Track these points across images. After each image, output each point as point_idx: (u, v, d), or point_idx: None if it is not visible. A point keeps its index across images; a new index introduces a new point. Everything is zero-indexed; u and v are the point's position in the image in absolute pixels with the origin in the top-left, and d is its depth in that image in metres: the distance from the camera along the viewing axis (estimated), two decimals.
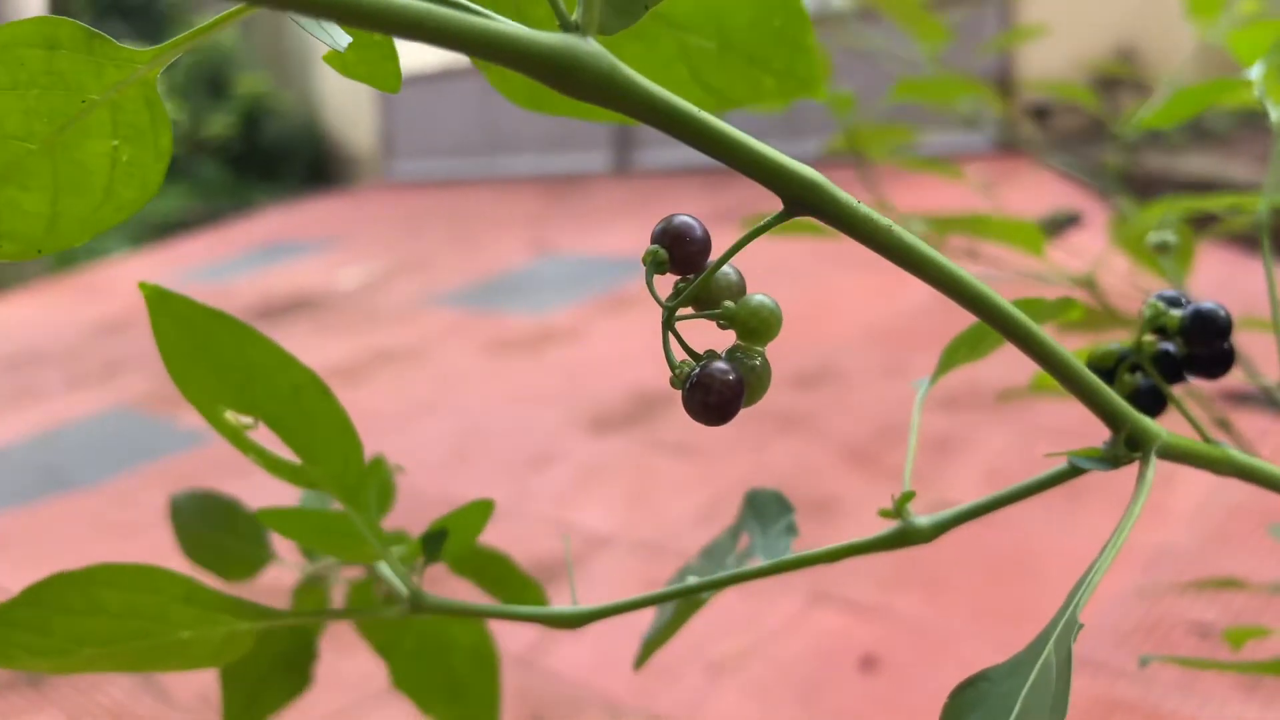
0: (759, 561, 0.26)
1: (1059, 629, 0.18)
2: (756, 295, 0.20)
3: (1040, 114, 3.82)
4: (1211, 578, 0.51)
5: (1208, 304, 0.22)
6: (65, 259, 4.90)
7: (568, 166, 5.68)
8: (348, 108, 6.84)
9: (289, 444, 0.25)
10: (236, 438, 0.25)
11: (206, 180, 6.33)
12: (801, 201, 0.17)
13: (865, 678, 1.12)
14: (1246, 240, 2.37)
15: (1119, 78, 3.20)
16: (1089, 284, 0.61)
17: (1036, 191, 2.85)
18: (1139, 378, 0.22)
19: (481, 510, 0.27)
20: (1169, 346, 0.22)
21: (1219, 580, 0.47)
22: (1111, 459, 0.21)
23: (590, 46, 0.16)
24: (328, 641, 1.28)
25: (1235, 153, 2.92)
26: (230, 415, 0.24)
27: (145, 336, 2.84)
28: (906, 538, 0.22)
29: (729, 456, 1.73)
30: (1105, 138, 3.46)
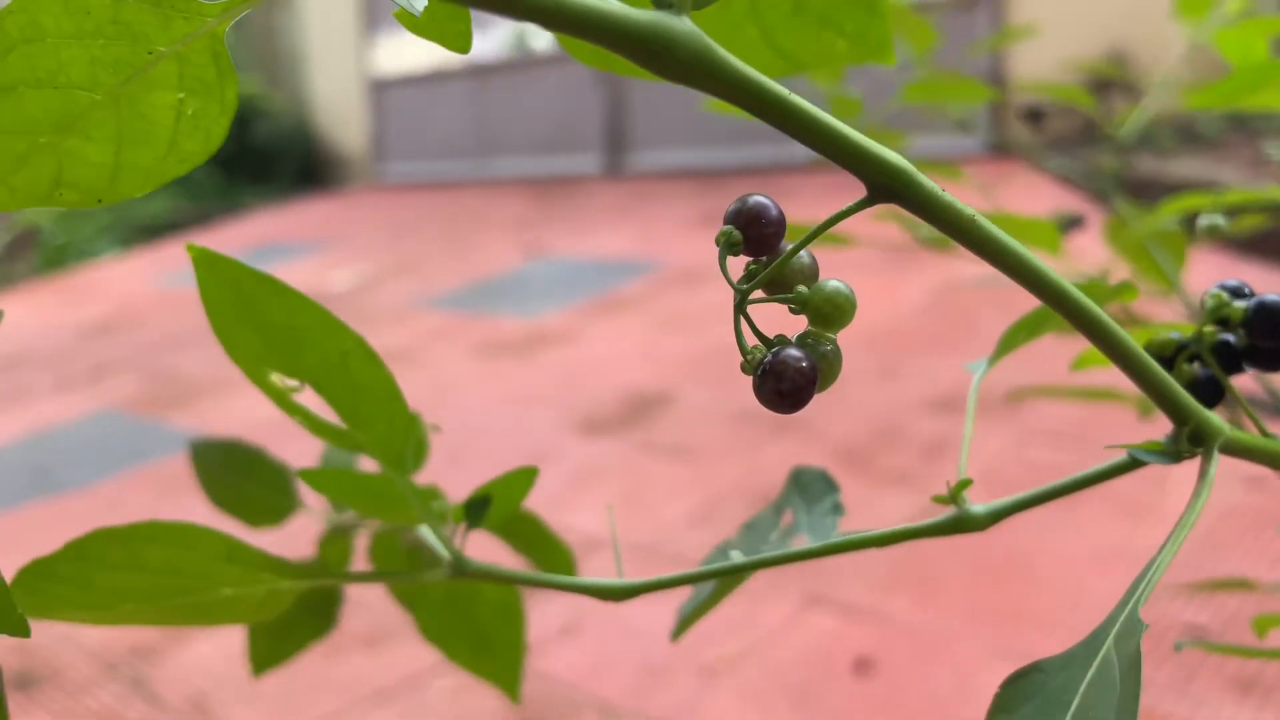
0: (805, 540, 0.26)
1: (1119, 625, 0.18)
2: (831, 281, 0.19)
3: (1034, 116, 3.84)
4: (1213, 579, 0.51)
5: (1272, 296, 0.21)
6: (53, 260, 4.88)
7: (559, 169, 5.68)
8: (339, 109, 6.83)
9: (335, 408, 0.25)
10: (282, 400, 0.25)
11: (196, 181, 6.31)
12: (887, 189, 0.17)
13: (859, 680, 1.11)
14: (1238, 243, 2.38)
15: (1111, 80, 3.20)
16: (1103, 277, 0.61)
17: (1032, 194, 2.85)
18: (1197, 368, 0.22)
19: (525, 477, 0.27)
20: (1229, 337, 0.22)
21: (1223, 581, 0.47)
22: (1174, 453, 0.20)
23: (684, 25, 0.16)
24: (321, 646, 1.27)
25: (1225, 156, 2.93)
26: (276, 378, 0.24)
27: (134, 338, 2.84)
28: (962, 525, 0.22)
29: (723, 459, 1.73)
30: (1098, 140, 3.47)
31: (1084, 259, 0.63)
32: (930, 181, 0.17)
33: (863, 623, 1.21)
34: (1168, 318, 0.61)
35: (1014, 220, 0.60)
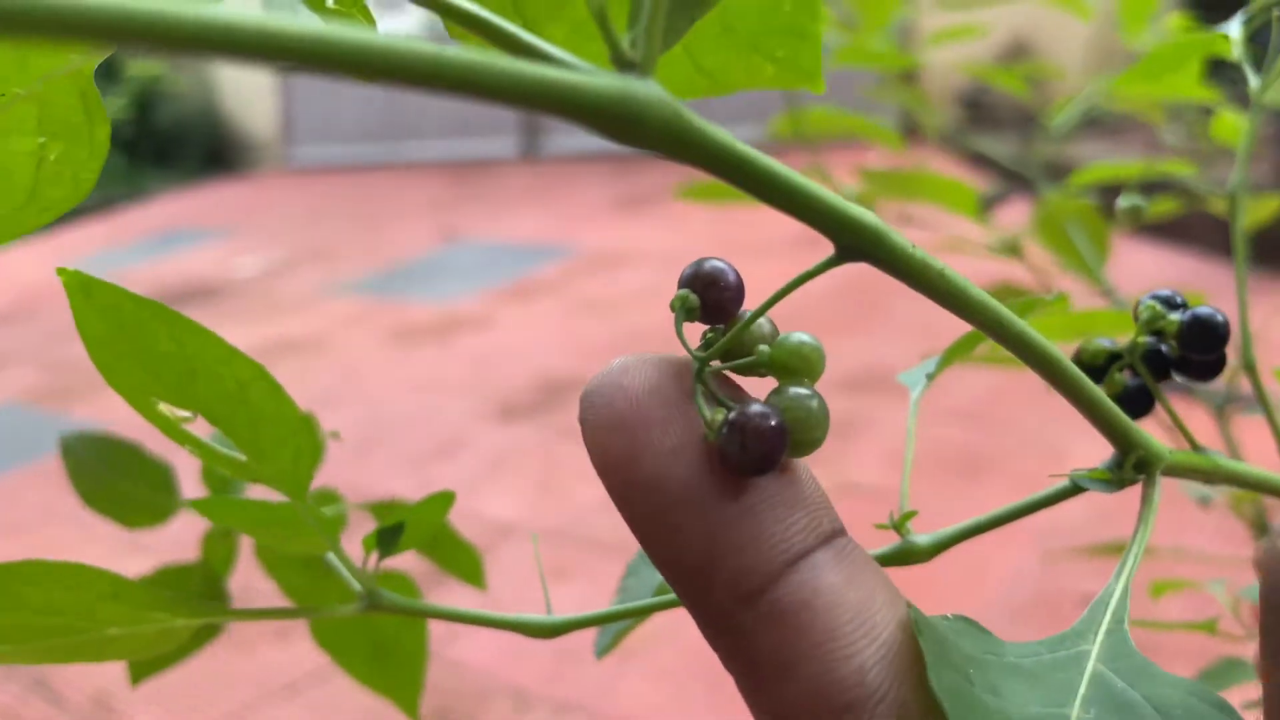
0: None
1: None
2: (795, 334, 0.18)
3: (974, 105, 3.91)
4: (1102, 543, 0.53)
5: (1205, 310, 0.21)
6: None
7: (474, 152, 5.63)
8: (246, 92, 6.67)
9: (234, 441, 0.23)
10: (172, 431, 0.23)
11: None
12: (856, 247, 0.17)
13: None
14: (1151, 228, 2.46)
15: (1018, 71, 3.27)
16: (1015, 249, 0.62)
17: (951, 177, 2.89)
18: (1127, 376, 0.22)
19: (442, 503, 0.26)
20: (1162, 346, 0.22)
21: (1114, 545, 0.48)
22: (1118, 480, 0.21)
23: (652, 91, 0.14)
24: (228, 640, 1.25)
25: (1124, 141, 3.02)
26: (165, 408, 0.23)
27: (33, 329, 2.74)
28: (906, 556, 0.22)
29: None
30: (1007, 124, 3.54)
31: (1003, 230, 0.64)
32: (901, 239, 0.16)
33: None
34: (1089, 303, 0.63)
35: (936, 181, 0.60)
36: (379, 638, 0.33)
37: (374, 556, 0.26)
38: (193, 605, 0.25)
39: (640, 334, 2.28)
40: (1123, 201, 0.31)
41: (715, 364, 0.18)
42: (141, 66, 6.39)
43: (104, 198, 5.62)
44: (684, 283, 0.18)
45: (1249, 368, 0.27)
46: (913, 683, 0.15)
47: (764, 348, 0.18)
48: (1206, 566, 0.49)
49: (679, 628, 1.20)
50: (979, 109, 3.91)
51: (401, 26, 5.79)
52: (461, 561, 0.35)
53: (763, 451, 0.16)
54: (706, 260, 0.18)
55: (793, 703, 0.15)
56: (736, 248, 2.89)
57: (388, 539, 0.25)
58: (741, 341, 0.18)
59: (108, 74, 6.43)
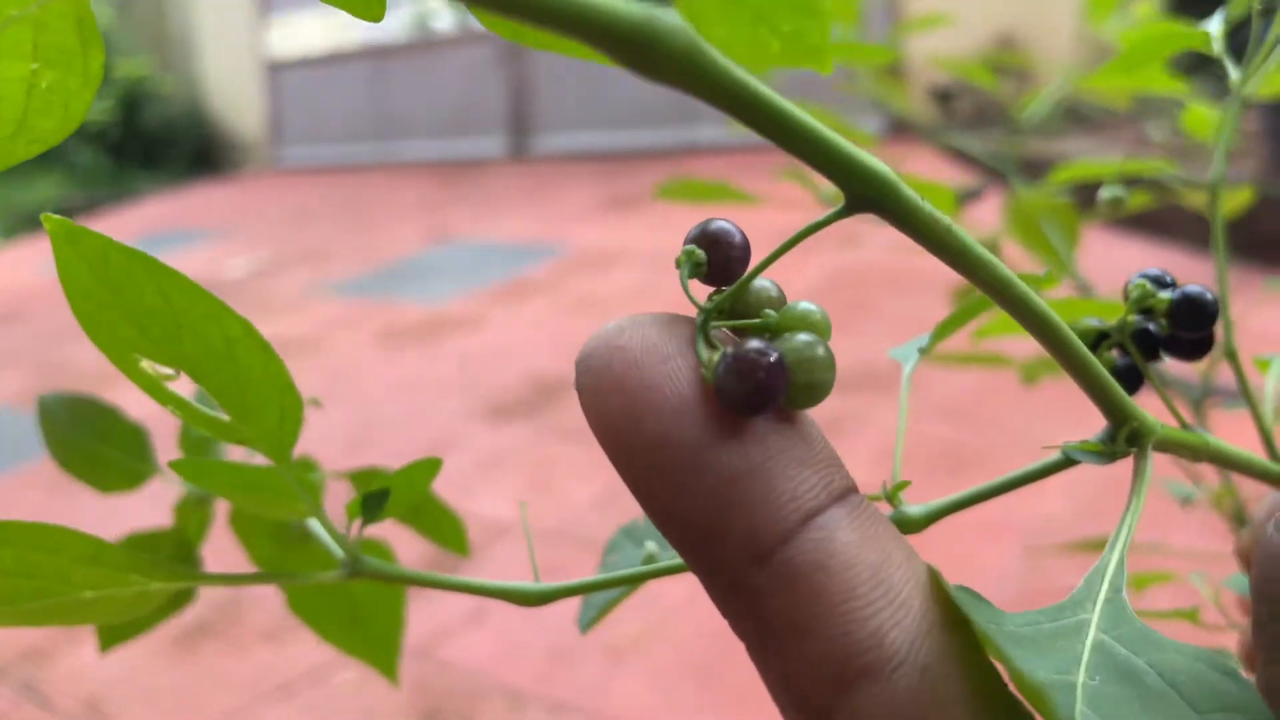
0: None
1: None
2: (802, 302, 0.18)
3: (943, 97, 3.91)
4: (1087, 538, 0.53)
5: (1195, 288, 0.21)
6: None
7: (463, 152, 5.62)
8: (234, 92, 6.65)
9: (220, 400, 0.22)
10: (155, 389, 0.22)
11: (83, 168, 6.09)
12: (867, 197, 0.16)
13: None
14: (1123, 221, 2.47)
15: (1003, 65, 3.28)
16: (993, 247, 0.63)
17: (933, 175, 2.89)
18: (1116, 355, 0.22)
19: (428, 469, 0.25)
20: (1150, 325, 0.22)
21: (1093, 541, 0.49)
22: (1110, 453, 0.21)
23: (672, 19, 0.14)
24: (221, 641, 1.25)
25: (1112, 137, 3.03)
26: (147, 364, 0.22)
27: (23, 331, 2.72)
28: (899, 527, 0.22)
29: None
30: (995, 122, 3.55)
31: (979, 230, 0.64)
32: (913, 192, 0.16)
33: None
34: (1060, 294, 0.63)
35: (913, 182, 0.61)
36: (357, 605, 0.32)
37: (357, 523, 0.25)
38: (169, 569, 0.24)
39: None
40: (1104, 193, 0.31)
41: (719, 323, 0.18)
42: (128, 68, 6.37)
43: (91, 200, 5.60)
44: (690, 240, 0.17)
45: (1230, 355, 0.28)
46: (932, 644, 0.15)
47: (770, 312, 0.18)
48: (1189, 561, 0.49)
49: (672, 627, 1.21)
50: (961, 104, 3.92)
51: (391, 22, 5.79)
52: (444, 529, 0.35)
53: (758, 384, 0.15)
54: (713, 220, 0.18)
55: (807, 665, 0.15)
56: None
57: (372, 505, 0.25)
58: (747, 304, 0.18)
59: None
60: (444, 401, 2.09)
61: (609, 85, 5.07)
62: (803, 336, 0.17)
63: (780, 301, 0.18)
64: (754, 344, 0.16)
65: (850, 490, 0.16)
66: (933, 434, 1.62)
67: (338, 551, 0.25)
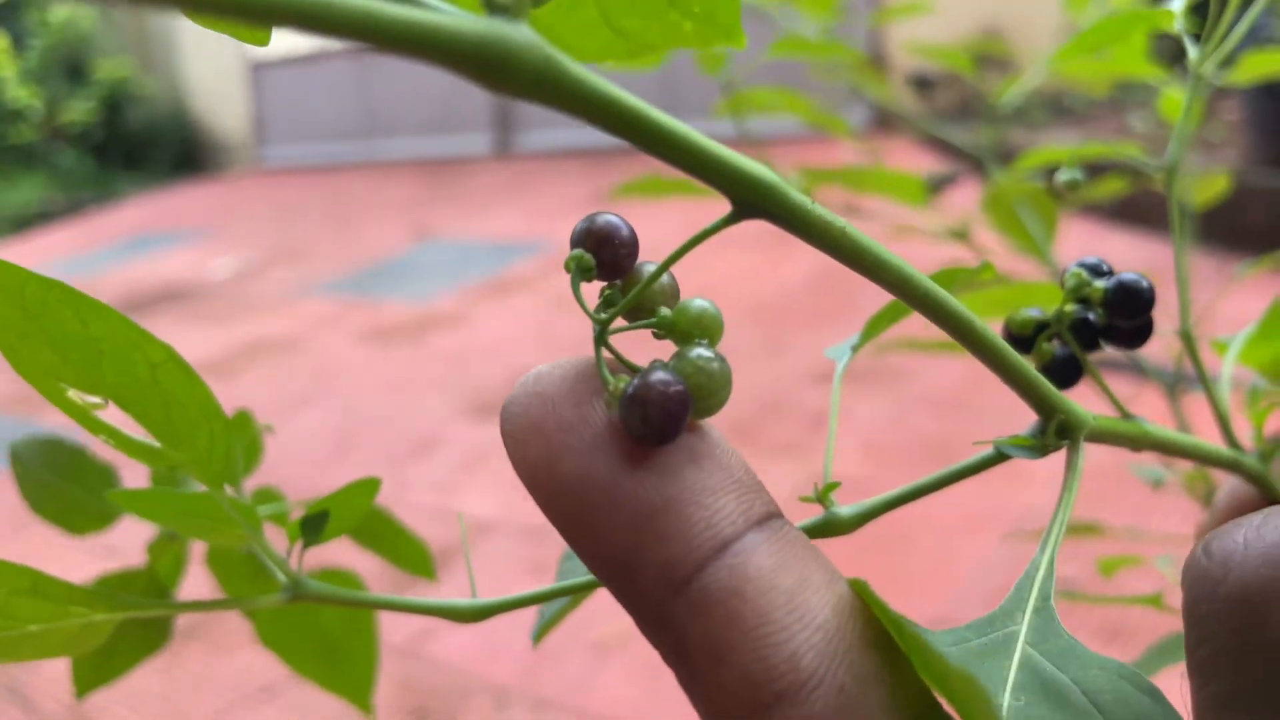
0: None
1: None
2: (696, 300, 0.18)
3: (923, 84, 3.91)
4: (1072, 524, 0.53)
5: (1130, 275, 0.21)
6: None
7: (448, 149, 5.60)
8: (217, 93, 6.62)
9: (145, 426, 0.22)
10: (84, 418, 0.22)
11: (65, 170, 6.06)
12: (753, 204, 0.16)
13: None
14: (1105, 211, 2.47)
15: (988, 56, 3.29)
16: (963, 235, 0.62)
17: (913, 165, 2.90)
18: (1056, 345, 0.22)
19: (367, 490, 0.25)
20: (1089, 315, 0.22)
21: (1078, 526, 0.48)
22: (1040, 447, 0.20)
23: (523, 35, 0.14)
24: (205, 644, 1.24)
25: (1095, 129, 3.04)
26: (74, 394, 0.22)
27: None
28: (830, 528, 0.21)
29: None
30: (977, 113, 3.56)
31: (953, 217, 0.64)
32: (799, 195, 0.16)
33: None
34: (1038, 278, 0.62)
35: (881, 175, 0.60)
36: (327, 636, 0.32)
37: (298, 547, 0.25)
38: (111, 599, 0.23)
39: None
40: (1060, 175, 0.31)
41: (616, 328, 0.18)
42: (110, 69, 6.33)
43: (74, 202, 5.57)
44: (576, 240, 0.17)
45: (1185, 336, 0.27)
46: (850, 665, 0.15)
47: (666, 311, 0.18)
48: (1163, 545, 0.49)
49: None
50: (944, 94, 3.92)
51: None
52: (407, 554, 0.34)
53: (663, 420, 0.16)
54: (599, 215, 0.17)
55: (726, 691, 0.15)
56: (707, 241, 2.89)
57: (312, 527, 0.25)
58: (643, 299, 0.18)
59: (75, 77, 6.37)
60: (429, 399, 2.08)
61: None
62: (700, 354, 0.17)
63: (673, 290, 0.18)
64: (656, 376, 0.16)
65: (771, 515, 0.16)
66: (918, 425, 1.62)
67: (281, 576, 0.25)
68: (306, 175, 5.79)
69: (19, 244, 4.78)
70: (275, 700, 1.14)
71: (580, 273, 0.17)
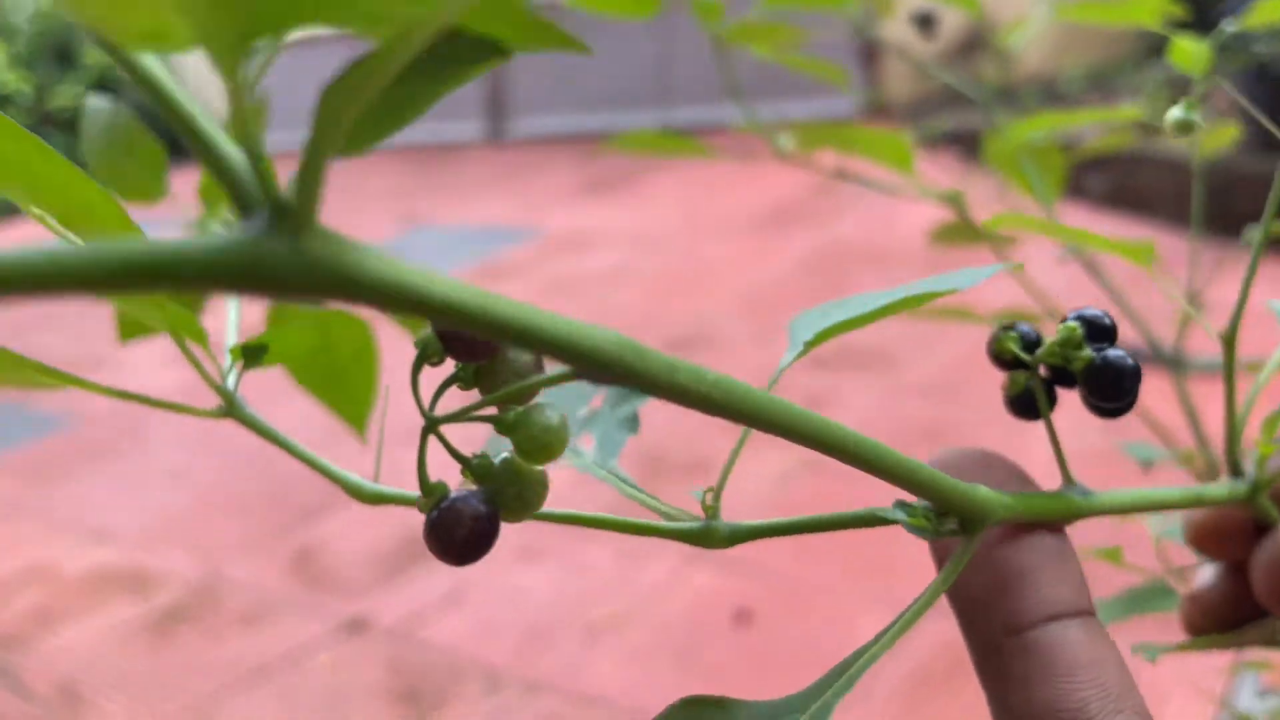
0: (590, 442, 0.23)
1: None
2: (546, 411, 0.17)
3: (924, 23, 3.91)
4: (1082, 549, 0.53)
5: (1117, 354, 0.20)
6: None
7: (439, 135, 5.59)
8: (205, 78, 6.59)
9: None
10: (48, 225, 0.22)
11: None
12: (611, 375, 0.15)
13: (738, 632, 1.14)
14: (1098, 196, 2.48)
15: (979, 38, 3.29)
16: (955, 200, 0.61)
17: (900, 158, 2.90)
18: (1026, 378, 0.22)
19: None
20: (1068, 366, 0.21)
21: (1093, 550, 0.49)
22: (934, 531, 0.21)
23: (284, 248, 0.12)
24: (197, 627, 1.24)
25: None
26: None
27: None
28: (704, 538, 0.21)
29: None
30: (975, 60, 3.56)
31: (938, 185, 0.63)
32: (660, 355, 0.15)
33: (742, 577, 1.23)
34: (1035, 246, 0.61)
35: (865, 135, 0.60)
36: (335, 368, 0.37)
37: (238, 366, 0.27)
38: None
39: (608, 314, 2.27)
40: (1174, 113, 0.29)
41: (459, 418, 0.17)
42: (99, 54, 6.29)
43: None
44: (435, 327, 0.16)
45: (1227, 341, 0.26)
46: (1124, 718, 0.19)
47: (513, 410, 0.17)
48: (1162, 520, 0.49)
49: (649, 608, 1.21)
50: (946, 35, 3.92)
51: None
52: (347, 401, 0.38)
53: (467, 541, 0.16)
54: None
55: (1028, 713, 0.20)
56: (700, 227, 2.89)
57: (251, 357, 0.26)
58: (496, 373, 0.17)
59: (65, 62, 6.33)
60: (422, 385, 2.08)
61: (586, 67, 5.05)
62: (523, 465, 0.17)
63: (529, 370, 0.18)
64: (468, 500, 0.16)
65: (1087, 612, 0.21)
66: (910, 412, 1.63)
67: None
68: (293, 161, 5.75)
69: (8, 230, 4.76)
70: (268, 682, 1.14)
71: (423, 359, 0.16)
